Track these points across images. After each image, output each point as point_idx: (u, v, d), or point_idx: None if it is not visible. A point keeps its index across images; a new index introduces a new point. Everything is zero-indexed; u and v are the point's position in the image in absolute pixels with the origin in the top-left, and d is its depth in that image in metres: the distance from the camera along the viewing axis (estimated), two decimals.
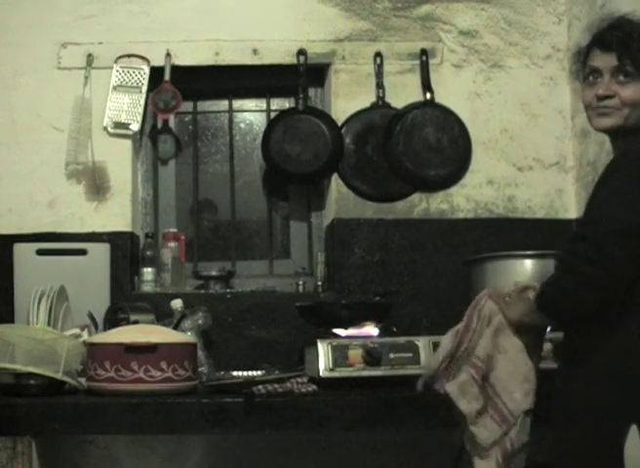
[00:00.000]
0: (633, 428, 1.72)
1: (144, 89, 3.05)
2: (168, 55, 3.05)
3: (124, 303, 2.79)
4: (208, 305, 2.82)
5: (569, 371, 1.87)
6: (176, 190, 3.26)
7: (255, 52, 3.08)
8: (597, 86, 1.91)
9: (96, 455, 2.85)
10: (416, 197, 3.09)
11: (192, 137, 3.29)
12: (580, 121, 3.01)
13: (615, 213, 1.76)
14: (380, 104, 3.09)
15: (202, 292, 3.04)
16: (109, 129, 3.03)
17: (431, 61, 3.10)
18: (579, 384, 1.83)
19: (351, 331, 2.54)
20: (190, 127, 3.29)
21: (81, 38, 3.05)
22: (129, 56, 3.05)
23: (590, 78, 1.93)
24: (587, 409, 1.79)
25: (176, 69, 3.06)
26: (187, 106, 3.23)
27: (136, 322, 2.68)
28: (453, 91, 3.11)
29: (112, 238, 2.98)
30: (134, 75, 3.05)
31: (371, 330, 2.56)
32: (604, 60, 1.90)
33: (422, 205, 3.08)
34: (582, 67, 1.97)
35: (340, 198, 3.08)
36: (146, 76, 3.05)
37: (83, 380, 2.34)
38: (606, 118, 1.90)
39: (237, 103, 3.30)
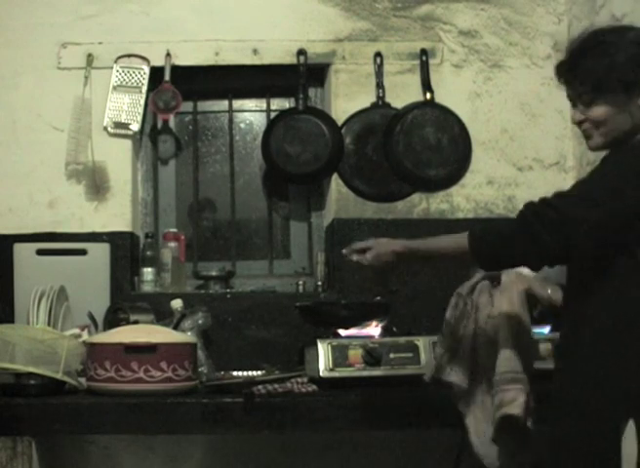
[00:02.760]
0: (630, 423, 1.73)
1: (144, 89, 3.05)
2: (168, 55, 3.05)
3: (124, 303, 2.79)
4: (208, 305, 2.82)
5: (566, 369, 1.88)
6: (176, 190, 3.25)
7: (255, 52, 3.08)
8: (573, 113, 1.94)
9: (96, 455, 2.85)
10: (416, 197, 3.09)
11: (192, 137, 3.28)
12: None
13: (594, 194, 1.78)
14: (380, 104, 3.09)
15: (202, 292, 3.04)
16: (109, 129, 3.03)
17: (431, 61, 3.10)
18: (576, 382, 1.83)
19: (351, 331, 2.54)
20: (190, 127, 3.29)
21: (81, 38, 3.05)
22: (129, 56, 3.05)
23: (571, 105, 1.97)
24: (585, 405, 1.80)
25: (176, 69, 3.06)
26: (187, 106, 3.22)
27: (136, 322, 2.69)
28: (453, 91, 3.11)
29: (112, 238, 2.98)
30: (134, 75, 3.05)
31: (374, 328, 2.56)
32: (567, 90, 1.94)
33: (422, 205, 3.08)
34: None
35: (339, 198, 3.08)
36: (146, 76, 3.05)
37: (83, 380, 2.35)
38: (591, 141, 1.92)
39: (237, 103, 3.30)
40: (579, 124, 1.93)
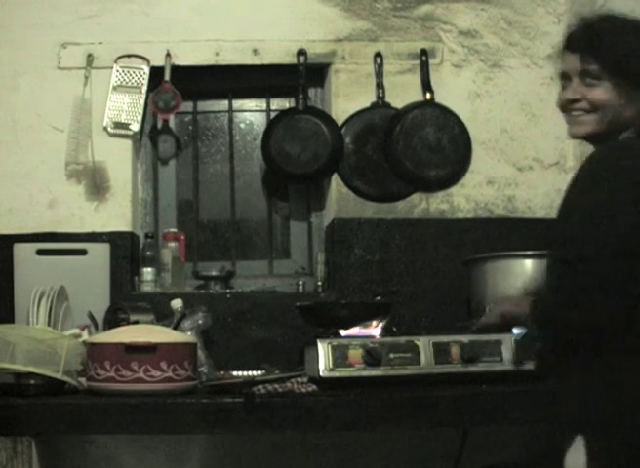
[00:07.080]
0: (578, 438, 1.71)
1: (144, 89, 3.05)
2: (168, 55, 3.05)
3: (124, 303, 2.79)
4: (208, 305, 2.82)
5: (568, 372, 1.88)
6: (176, 190, 3.26)
7: (255, 52, 3.08)
8: (567, 90, 1.83)
9: (96, 455, 2.85)
10: (416, 197, 3.09)
11: (192, 137, 3.29)
12: None
13: (604, 230, 1.67)
14: (380, 104, 3.09)
15: (202, 292, 3.04)
16: (109, 129, 3.03)
17: (431, 61, 3.10)
18: (577, 384, 1.84)
19: (351, 331, 2.54)
20: (190, 127, 3.29)
21: (81, 38, 3.05)
22: (129, 56, 3.05)
23: (562, 82, 1.85)
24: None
25: (176, 69, 3.06)
26: (187, 106, 3.23)
27: (136, 322, 2.68)
28: (453, 91, 3.12)
29: (112, 238, 2.98)
30: (134, 75, 3.05)
31: (374, 328, 2.56)
32: (570, 62, 1.81)
33: (422, 205, 3.09)
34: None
35: (340, 198, 3.08)
36: (146, 76, 3.06)
37: (83, 380, 2.34)
38: (578, 126, 1.81)
39: (237, 103, 3.30)
40: (571, 103, 1.80)
